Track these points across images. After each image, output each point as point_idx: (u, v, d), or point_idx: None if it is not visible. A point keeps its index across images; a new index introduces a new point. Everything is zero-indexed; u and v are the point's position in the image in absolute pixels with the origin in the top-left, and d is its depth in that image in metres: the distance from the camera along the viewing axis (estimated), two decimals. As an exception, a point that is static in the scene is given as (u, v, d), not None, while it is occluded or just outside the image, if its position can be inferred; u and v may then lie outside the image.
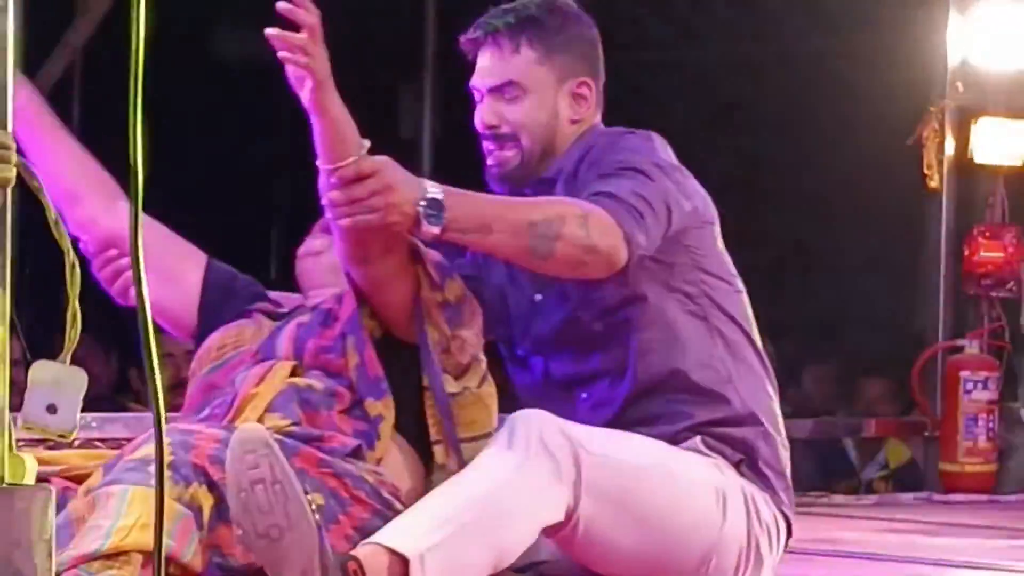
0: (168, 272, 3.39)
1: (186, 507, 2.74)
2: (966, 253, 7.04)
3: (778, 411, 3.48)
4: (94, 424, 5.29)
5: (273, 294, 3.53)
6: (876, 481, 7.57)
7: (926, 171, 7.04)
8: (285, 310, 3.40)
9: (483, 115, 3.35)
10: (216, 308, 3.44)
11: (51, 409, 2.07)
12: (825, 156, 9.52)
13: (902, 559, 4.97)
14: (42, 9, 3.82)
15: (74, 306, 2.08)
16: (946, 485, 6.87)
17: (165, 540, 2.26)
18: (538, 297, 3.32)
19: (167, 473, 2.52)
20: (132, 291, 2.90)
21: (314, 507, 2.77)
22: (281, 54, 2.96)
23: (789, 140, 9.88)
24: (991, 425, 6.92)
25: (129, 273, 3.25)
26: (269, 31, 2.94)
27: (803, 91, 9.59)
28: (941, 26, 7.12)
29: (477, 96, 3.37)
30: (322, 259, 3.44)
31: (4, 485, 1.90)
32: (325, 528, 2.79)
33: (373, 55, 9.31)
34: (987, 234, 7.03)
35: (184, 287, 3.43)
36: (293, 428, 3.07)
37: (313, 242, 3.47)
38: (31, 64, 4.69)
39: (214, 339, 3.34)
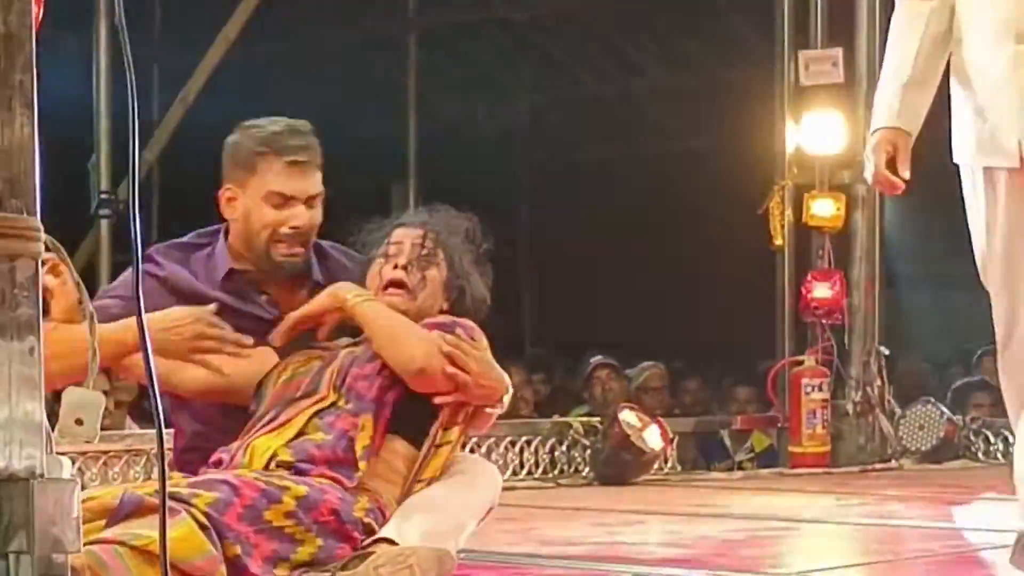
0: None
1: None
2: (803, 292, 8.14)
3: None
4: (115, 437, 5.77)
5: None
6: (745, 462, 8.47)
7: (772, 233, 8.27)
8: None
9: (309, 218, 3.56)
10: None
11: (78, 423, 2.24)
12: (701, 221, 10.75)
13: (762, 517, 5.69)
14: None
15: (93, 346, 2.24)
16: (793, 463, 7.93)
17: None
18: None
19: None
20: None
21: None
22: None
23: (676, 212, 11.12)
24: (825, 417, 7.97)
25: None
26: None
27: (685, 179, 10.85)
28: (780, 127, 8.29)
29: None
30: None
31: (46, 479, 2.03)
32: None
33: (368, 158, 10.02)
34: (818, 278, 8.13)
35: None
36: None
37: None
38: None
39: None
